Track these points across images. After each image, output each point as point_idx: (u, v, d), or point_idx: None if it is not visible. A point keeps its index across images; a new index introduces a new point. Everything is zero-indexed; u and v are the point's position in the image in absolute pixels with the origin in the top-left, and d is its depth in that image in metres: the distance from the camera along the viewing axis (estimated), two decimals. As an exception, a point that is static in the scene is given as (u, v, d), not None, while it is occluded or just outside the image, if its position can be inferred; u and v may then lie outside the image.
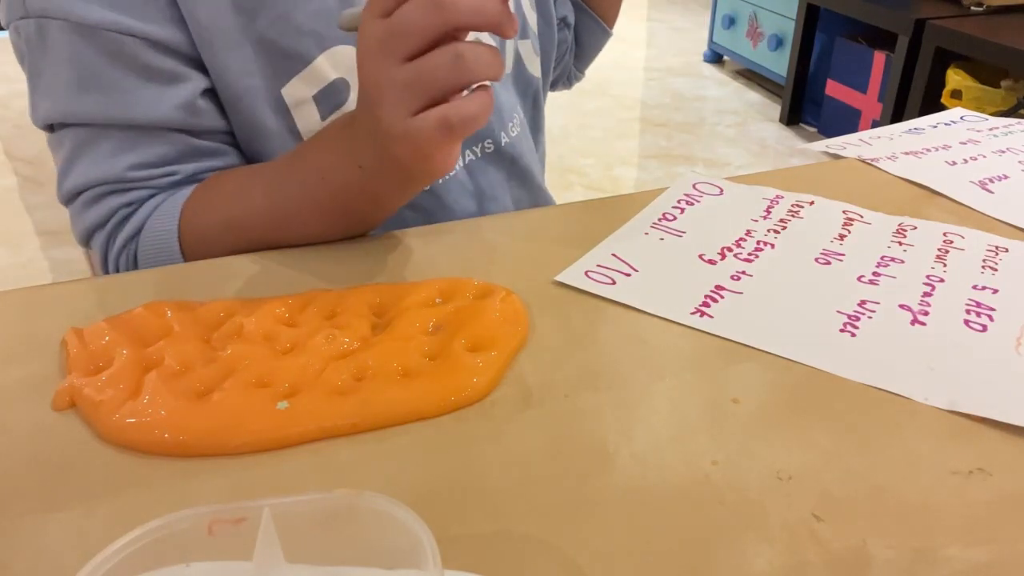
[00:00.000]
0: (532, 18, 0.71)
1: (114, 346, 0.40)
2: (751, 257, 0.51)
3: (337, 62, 0.56)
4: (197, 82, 0.54)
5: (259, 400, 0.37)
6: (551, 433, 0.36)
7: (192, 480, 0.34)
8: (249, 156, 0.58)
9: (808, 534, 0.32)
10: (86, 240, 0.57)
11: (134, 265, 0.56)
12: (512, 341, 0.42)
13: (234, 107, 0.55)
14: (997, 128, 0.75)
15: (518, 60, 0.70)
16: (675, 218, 0.56)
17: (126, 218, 0.55)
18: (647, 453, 0.35)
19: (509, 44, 0.68)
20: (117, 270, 0.56)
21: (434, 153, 0.43)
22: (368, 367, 0.39)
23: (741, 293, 0.47)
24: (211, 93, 0.55)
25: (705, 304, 0.46)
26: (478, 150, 0.65)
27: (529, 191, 0.71)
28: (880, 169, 0.65)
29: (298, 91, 0.55)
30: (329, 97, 0.56)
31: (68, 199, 0.56)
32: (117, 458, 0.35)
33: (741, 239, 0.53)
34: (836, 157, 0.67)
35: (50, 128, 0.55)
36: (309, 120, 0.56)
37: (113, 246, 0.56)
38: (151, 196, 0.55)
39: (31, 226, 2.07)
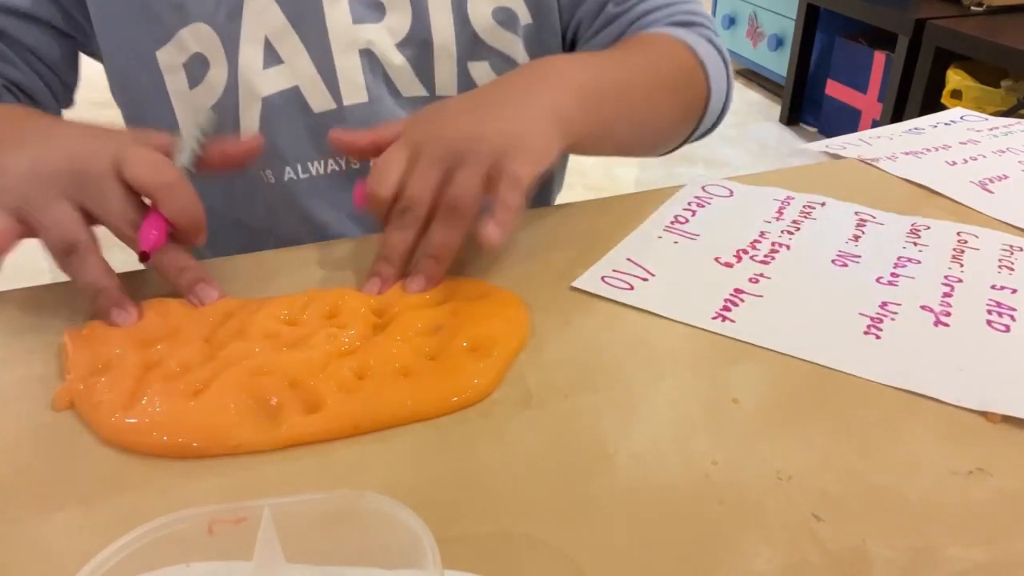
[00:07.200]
0: (505, 38, 0.62)
1: (114, 346, 0.40)
2: (767, 259, 0.51)
3: (199, 37, 0.58)
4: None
5: (259, 400, 0.37)
6: (551, 433, 0.36)
7: (192, 480, 0.34)
8: (125, 107, 0.63)
9: (808, 534, 0.32)
10: None
11: None
12: (512, 341, 0.42)
13: (110, 60, 0.60)
14: (997, 128, 0.75)
15: (465, 79, 0.63)
16: (687, 220, 0.56)
17: None
18: (647, 453, 0.35)
19: (447, 64, 0.62)
20: None
21: None
22: (369, 367, 0.39)
23: (761, 296, 0.47)
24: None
25: (726, 308, 0.46)
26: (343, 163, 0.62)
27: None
28: (880, 169, 0.65)
29: (171, 57, 0.58)
30: (194, 68, 0.59)
31: None
32: (117, 458, 0.35)
33: (755, 241, 0.53)
34: (836, 157, 0.67)
35: None
36: (178, 84, 0.59)
37: None
38: None
39: (31, 226, 2.07)
